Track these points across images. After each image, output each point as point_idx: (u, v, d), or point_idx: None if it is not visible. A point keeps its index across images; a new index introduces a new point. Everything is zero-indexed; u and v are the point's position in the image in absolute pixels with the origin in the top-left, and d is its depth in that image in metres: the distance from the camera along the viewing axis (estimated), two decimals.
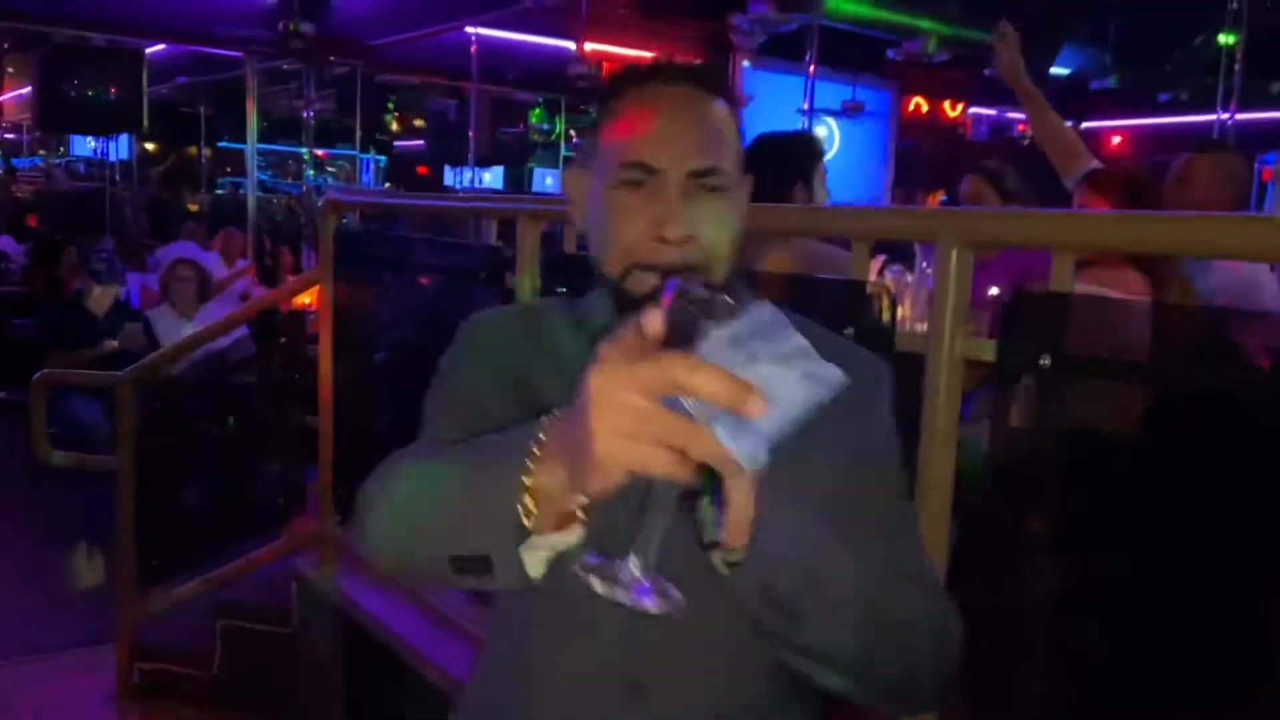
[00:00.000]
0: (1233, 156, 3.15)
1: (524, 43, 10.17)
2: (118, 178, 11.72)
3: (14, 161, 15.93)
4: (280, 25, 7.17)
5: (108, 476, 4.20)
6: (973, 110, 13.88)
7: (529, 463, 0.84)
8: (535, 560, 0.87)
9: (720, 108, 1.11)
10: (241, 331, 4.55)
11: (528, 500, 0.84)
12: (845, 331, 1.57)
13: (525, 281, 2.30)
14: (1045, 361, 1.40)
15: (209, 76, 11.61)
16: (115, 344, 5.46)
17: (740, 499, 0.78)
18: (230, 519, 3.74)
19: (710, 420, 0.73)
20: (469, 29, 8.77)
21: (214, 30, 8.38)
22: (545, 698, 1.11)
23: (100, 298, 5.67)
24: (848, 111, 10.35)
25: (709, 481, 0.79)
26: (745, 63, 10.21)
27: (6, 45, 12.47)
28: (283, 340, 3.79)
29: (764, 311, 0.76)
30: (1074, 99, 13.62)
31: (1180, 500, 1.38)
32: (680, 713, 1.08)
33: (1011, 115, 14.05)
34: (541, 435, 0.84)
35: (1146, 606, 1.43)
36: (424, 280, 2.99)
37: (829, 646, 0.97)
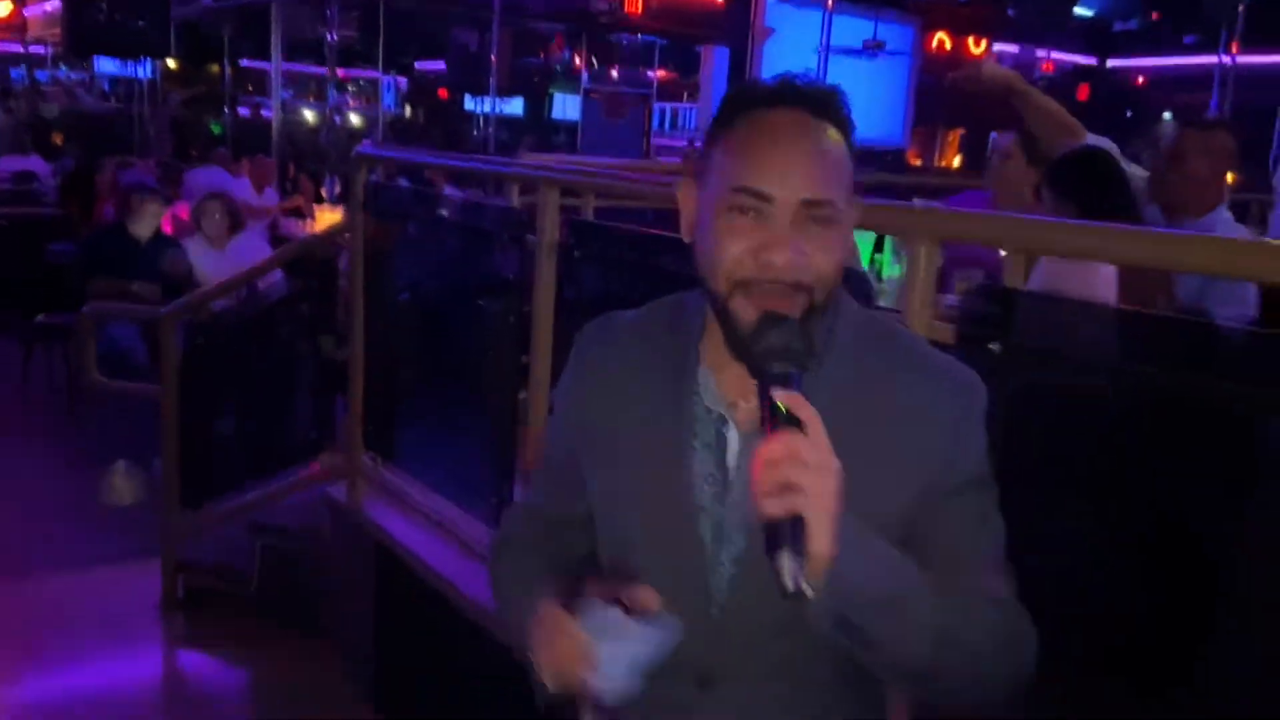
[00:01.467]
0: (1223, 132, 3.28)
1: None
2: (146, 98, 11.82)
3: (38, 74, 15.98)
4: None
5: (146, 400, 4.47)
6: (997, 47, 13.78)
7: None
8: None
9: (835, 136, 1.11)
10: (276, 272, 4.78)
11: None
12: None
13: (545, 244, 2.50)
14: (995, 347, 1.61)
15: (233, 1, 11.65)
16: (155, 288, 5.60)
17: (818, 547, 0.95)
18: (266, 447, 4.02)
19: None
20: None
21: None
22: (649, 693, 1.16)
23: (148, 221, 5.75)
24: (869, 49, 10.36)
25: (789, 531, 0.94)
26: None
27: None
28: (314, 283, 4.01)
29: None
30: (1098, 39, 13.55)
31: (1111, 475, 1.60)
32: (745, 701, 1.17)
33: (1037, 54, 13.94)
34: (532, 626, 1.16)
35: (1076, 568, 1.65)
36: (449, 233, 3.20)
37: (899, 663, 1.05)
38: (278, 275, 5.21)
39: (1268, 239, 2.64)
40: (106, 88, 15.66)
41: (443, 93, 15.74)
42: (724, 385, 1.17)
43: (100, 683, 3.47)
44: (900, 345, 1.20)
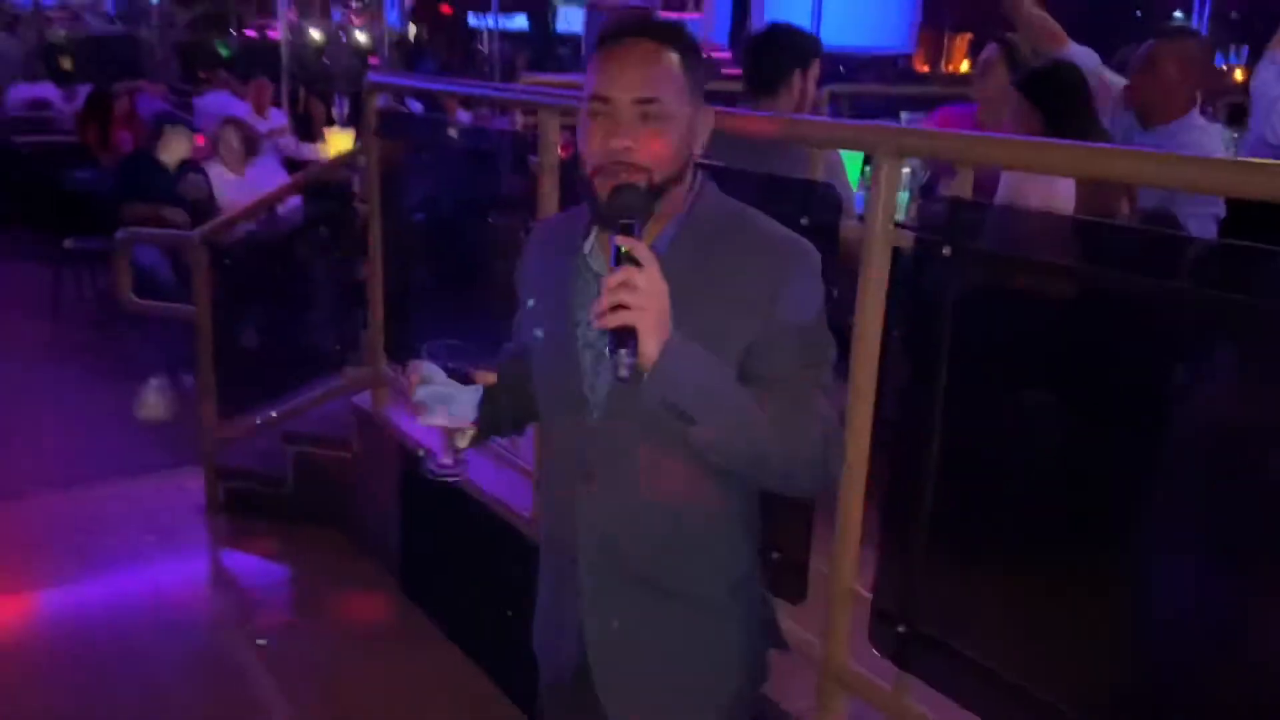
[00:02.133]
0: (1194, 41, 3.43)
1: None
2: (155, 20, 11.83)
3: (42, 1, 15.94)
4: None
5: (174, 320, 4.72)
6: None
7: None
8: None
9: (671, 55, 1.43)
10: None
11: None
12: (801, 222, 1.98)
13: (546, 163, 2.70)
14: (946, 251, 1.83)
15: None
16: (183, 213, 5.81)
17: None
18: (294, 361, 4.28)
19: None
20: None
21: None
22: (546, 485, 1.68)
23: (176, 149, 5.96)
24: None
25: (625, 338, 1.31)
26: None
27: None
28: (331, 205, 4.22)
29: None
30: None
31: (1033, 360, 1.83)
32: (620, 493, 1.53)
33: None
34: None
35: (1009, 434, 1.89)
36: (458, 157, 3.40)
37: (722, 442, 1.40)
38: (296, 200, 5.41)
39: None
40: (111, 10, 15.61)
41: (446, 9, 15.66)
42: (603, 252, 1.50)
43: (153, 581, 3.79)
44: (744, 225, 1.52)
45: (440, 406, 1.50)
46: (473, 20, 13.78)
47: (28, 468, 4.52)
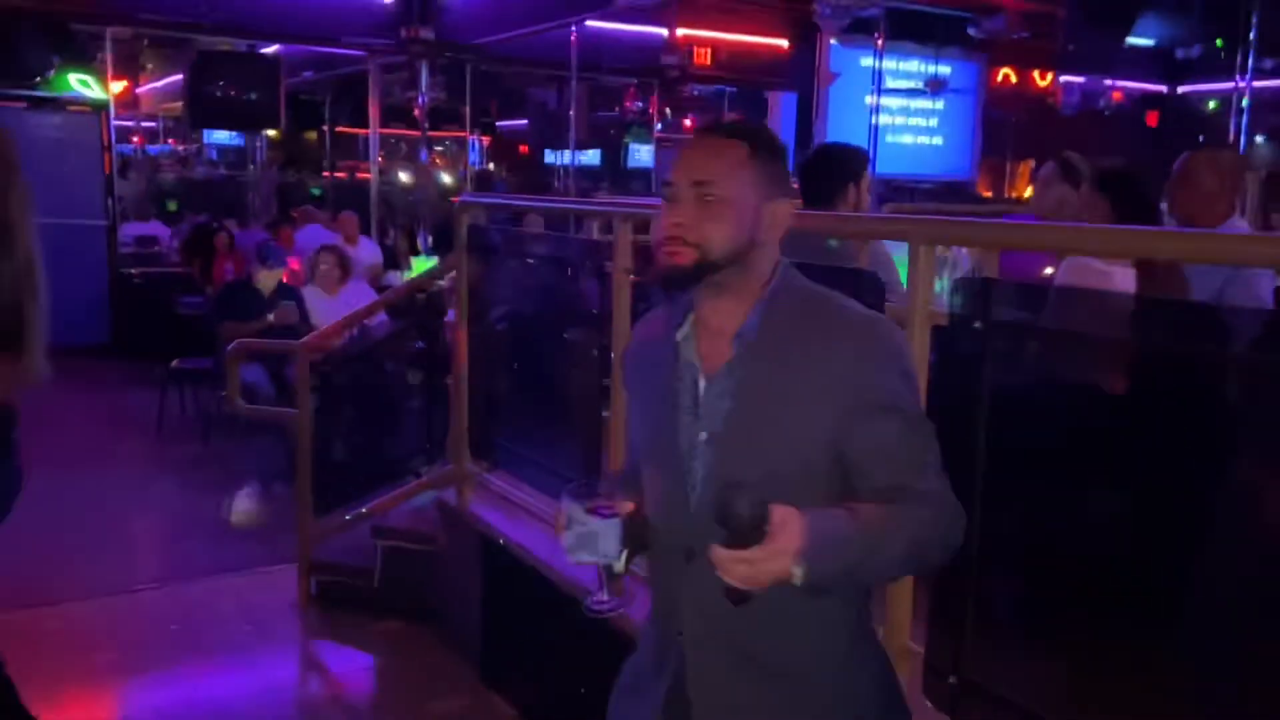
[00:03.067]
0: (1228, 154, 3.63)
1: (620, 31, 10.81)
2: (257, 163, 12.73)
3: (148, 149, 17.16)
4: (402, 31, 7.97)
5: (267, 430, 5.07)
6: (1063, 78, 13.94)
7: None
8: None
9: (738, 146, 1.54)
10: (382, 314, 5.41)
11: None
12: None
13: (620, 270, 2.98)
14: (978, 325, 2.03)
15: (333, 72, 12.53)
16: (272, 318, 6.32)
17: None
18: (383, 461, 4.57)
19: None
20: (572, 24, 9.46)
21: (340, 36, 9.27)
22: (652, 560, 1.70)
23: (267, 279, 6.52)
24: (930, 88, 10.72)
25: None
26: (832, 41, 10.68)
27: (146, 43, 13.56)
28: (419, 319, 4.58)
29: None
30: (1166, 66, 13.66)
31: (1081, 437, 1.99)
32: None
33: (1105, 83, 14.04)
34: None
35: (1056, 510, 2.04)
36: (539, 266, 3.72)
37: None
38: (383, 317, 5.82)
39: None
40: (214, 156, 16.72)
41: (523, 148, 16.49)
42: (699, 346, 1.62)
43: (249, 673, 3.99)
44: (826, 308, 1.59)
45: (587, 546, 1.56)
46: (549, 157, 14.52)
47: (130, 567, 4.83)
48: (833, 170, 3.28)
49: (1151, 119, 14.10)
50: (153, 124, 17.23)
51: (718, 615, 1.49)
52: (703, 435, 1.58)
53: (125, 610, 4.39)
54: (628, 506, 1.56)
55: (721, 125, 1.62)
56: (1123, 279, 2.86)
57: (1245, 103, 7.97)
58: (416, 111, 10.89)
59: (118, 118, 10.49)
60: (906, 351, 1.58)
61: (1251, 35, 9.01)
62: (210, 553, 5.00)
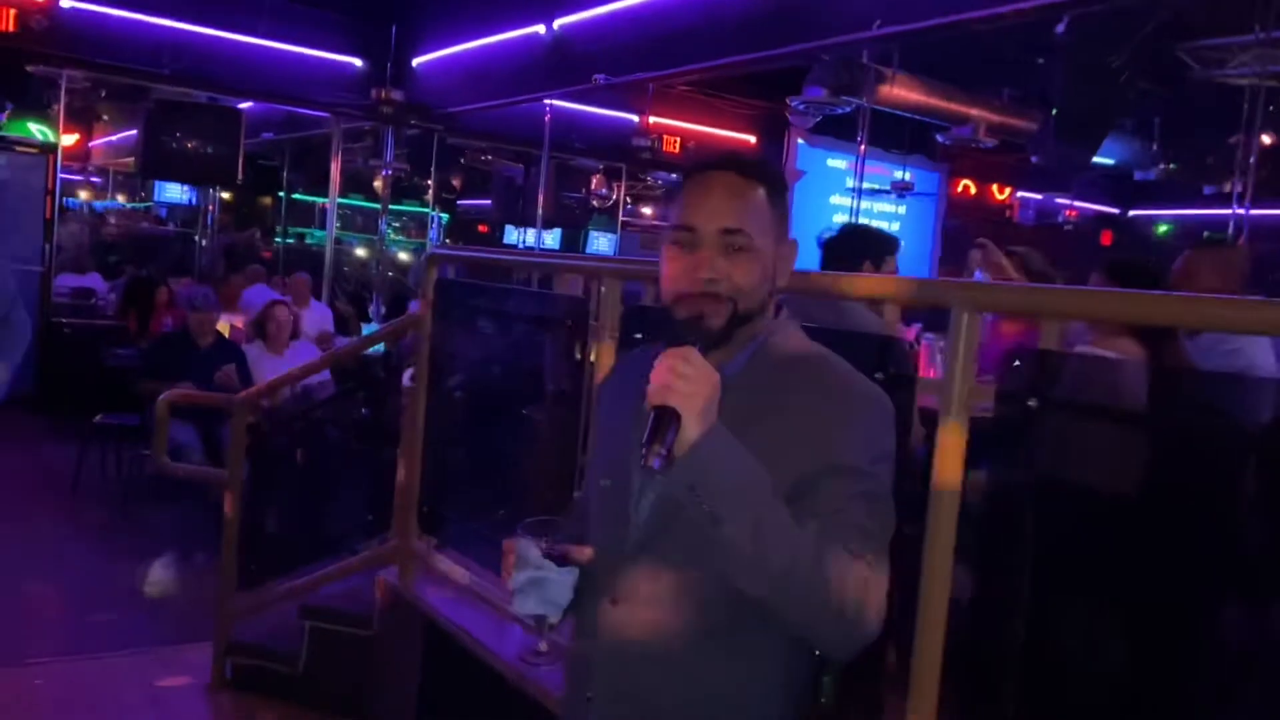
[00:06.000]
0: (1229, 250, 3.52)
1: (591, 114, 10.77)
2: (209, 222, 12.40)
3: (95, 205, 16.72)
4: (373, 92, 7.77)
5: (191, 495, 4.66)
6: (1020, 194, 14.22)
7: None
8: None
9: (758, 189, 1.45)
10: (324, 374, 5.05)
11: None
12: (875, 376, 1.94)
13: (606, 328, 2.70)
14: (1033, 403, 1.78)
15: (293, 134, 12.30)
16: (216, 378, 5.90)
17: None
18: (317, 534, 4.17)
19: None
20: (545, 101, 9.37)
21: (308, 95, 9.04)
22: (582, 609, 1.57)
23: (203, 324, 6.11)
24: (897, 190, 10.78)
25: (665, 423, 1.27)
26: (800, 140, 10.71)
27: (103, 94, 13.27)
28: (366, 384, 4.24)
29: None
30: (1119, 188, 13.98)
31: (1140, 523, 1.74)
32: (642, 616, 1.47)
33: (1059, 200, 14.35)
34: None
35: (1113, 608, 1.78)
36: (513, 324, 3.42)
37: (742, 557, 1.29)
38: (326, 375, 5.47)
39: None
40: (164, 214, 16.34)
41: (483, 228, 16.33)
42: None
43: None
44: (815, 364, 1.50)
45: (537, 593, 1.47)
46: (510, 235, 14.36)
47: (24, 638, 4.33)
48: (855, 248, 3.23)
49: (1106, 238, 14.37)
50: (99, 180, 16.87)
51: (631, 671, 1.48)
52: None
53: (12, 686, 3.90)
54: (586, 553, 1.48)
55: (734, 161, 1.48)
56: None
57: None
58: (378, 181, 10.67)
59: (65, 170, 10.12)
60: (881, 419, 1.47)
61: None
62: (118, 626, 4.53)
